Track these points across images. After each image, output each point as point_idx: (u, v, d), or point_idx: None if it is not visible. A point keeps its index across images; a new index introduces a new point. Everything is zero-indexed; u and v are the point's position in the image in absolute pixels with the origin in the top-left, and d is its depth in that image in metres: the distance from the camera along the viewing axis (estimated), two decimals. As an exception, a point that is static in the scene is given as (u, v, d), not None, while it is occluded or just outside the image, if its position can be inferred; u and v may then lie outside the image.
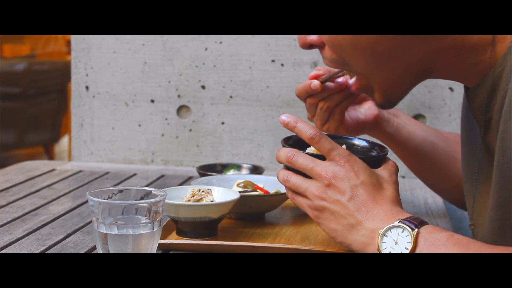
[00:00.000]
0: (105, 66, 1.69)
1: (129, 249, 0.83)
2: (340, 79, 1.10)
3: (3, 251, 0.97)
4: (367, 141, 1.05)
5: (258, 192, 1.14)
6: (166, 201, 0.93)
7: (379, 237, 0.83)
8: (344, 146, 1.03)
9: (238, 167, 1.35)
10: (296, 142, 0.96)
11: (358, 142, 1.05)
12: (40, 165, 1.61)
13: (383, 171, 0.92)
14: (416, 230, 0.82)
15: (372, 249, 0.84)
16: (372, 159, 0.96)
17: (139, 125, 1.70)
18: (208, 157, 1.68)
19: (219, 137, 1.67)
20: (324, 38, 0.95)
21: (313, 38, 1.00)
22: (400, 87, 0.95)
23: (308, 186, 0.89)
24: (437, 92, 1.59)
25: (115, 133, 1.71)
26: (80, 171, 1.55)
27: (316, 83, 1.10)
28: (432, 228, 0.84)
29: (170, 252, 0.97)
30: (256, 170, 1.32)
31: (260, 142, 1.66)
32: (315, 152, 0.95)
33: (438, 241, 0.82)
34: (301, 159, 0.90)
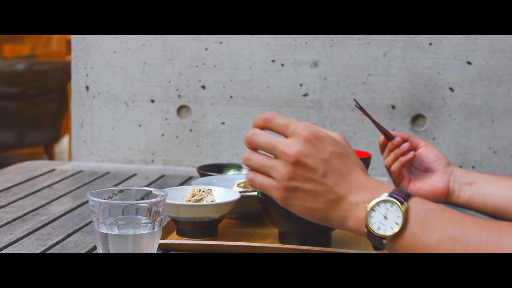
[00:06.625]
0: (105, 66, 1.70)
1: (129, 249, 0.83)
2: (396, 139, 1.23)
3: (4, 251, 0.97)
4: None
5: (258, 192, 1.14)
6: (167, 201, 0.93)
7: (368, 212, 0.80)
8: None
9: (238, 167, 1.35)
10: None
11: None
12: (40, 165, 1.61)
13: (337, 137, 0.87)
14: (406, 204, 0.79)
15: (353, 223, 0.81)
16: None
17: (139, 125, 1.70)
18: (208, 157, 1.68)
19: (219, 137, 1.67)
20: None
21: None
22: None
23: (274, 165, 0.82)
24: (437, 92, 1.59)
25: (115, 133, 1.71)
26: (80, 171, 1.55)
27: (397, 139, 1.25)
28: (421, 200, 0.81)
29: (170, 252, 0.97)
30: (256, 170, 1.31)
31: (260, 142, 1.66)
32: None
33: (432, 215, 0.79)
34: (263, 137, 0.84)
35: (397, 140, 1.25)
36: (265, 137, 0.84)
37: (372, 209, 0.80)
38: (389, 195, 0.80)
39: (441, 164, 1.25)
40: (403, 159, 1.25)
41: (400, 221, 0.79)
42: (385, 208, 0.80)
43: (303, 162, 0.81)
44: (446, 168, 1.25)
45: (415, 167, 1.28)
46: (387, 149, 1.28)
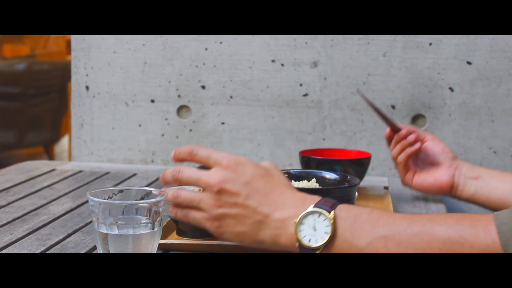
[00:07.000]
0: (105, 66, 1.70)
1: (129, 249, 0.83)
2: (402, 131, 1.24)
3: (3, 251, 0.97)
4: (338, 173, 1.09)
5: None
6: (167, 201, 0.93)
7: (296, 226, 0.81)
8: (314, 180, 1.06)
9: (238, 167, 1.34)
10: None
11: (329, 175, 1.09)
12: (40, 165, 1.61)
13: (264, 163, 0.89)
14: (333, 212, 0.80)
15: (284, 240, 0.82)
16: (343, 189, 0.99)
17: (139, 125, 1.70)
18: (208, 157, 1.68)
19: (219, 137, 1.67)
20: None
21: None
22: None
23: (201, 198, 0.85)
24: (437, 92, 1.59)
25: (115, 133, 1.71)
26: (80, 171, 1.55)
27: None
28: (347, 206, 0.82)
29: (170, 252, 0.97)
30: (256, 170, 1.31)
31: (260, 142, 1.66)
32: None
33: (360, 219, 0.80)
34: (187, 173, 0.87)
35: (403, 131, 1.25)
36: (188, 172, 0.87)
37: (300, 222, 0.81)
38: (315, 206, 0.81)
39: (446, 158, 1.25)
40: (409, 150, 1.24)
41: (329, 229, 0.80)
42: (313, 219, 0.81)
43: (226, 189, 0.83)
44: (452, 162, 1.25)
45: (421, 160, 1.27)
46: (393, 141, 1.27)
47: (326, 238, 0.80)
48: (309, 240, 0.80)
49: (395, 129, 1.27)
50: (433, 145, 1.26)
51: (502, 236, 0.73)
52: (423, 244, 0.76)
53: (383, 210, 0.82)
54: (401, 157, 1.26)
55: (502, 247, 0.73)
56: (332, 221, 0.80)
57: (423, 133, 1.28)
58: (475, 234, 0.74)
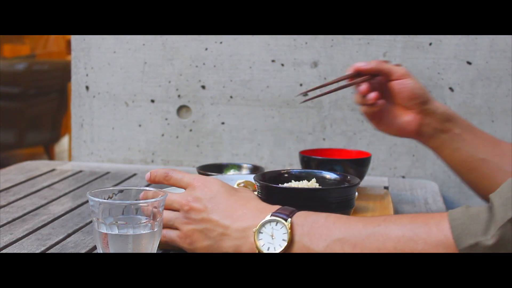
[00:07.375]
0: (105, 66, 1.70)
1: (129, 249, 0.83)
2: (362, 87, 1.14)
3: (3, 251, 0.97)
4: (338, 173, 1.09)
5: (258, 192, 1.14)
6: (166, 201, 0.93)
7: (255, 235, 0.84)
8: (314, 180, 1.07)
9: (238, 167, 1.35)
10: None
11: (329, 175, 1.09)
12: (40, 165, 1.61)
13: (236, 187, 0.95)
14: (289, 219, 0.83)
15: (246, 249, 0.85)
16: (343, 189, 1.00)
17: (139, 125, 1.70)
18: (208, 157, 1.68)
19: (219, 137, 1.67)
20: None
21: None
22: None
23: (176, 217, 0.91)
24: (437, 92, 1.59)
25: (115, 133, 1.71)
26: (80, 171, 1.55)
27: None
28: (305, 213, 0.84)
29: (170, 252, 0.97)
30: (256, 170, 1.32)
31: (260, 142, 1.66)
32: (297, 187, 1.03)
33: (317, 224, 0.82)
34: None
35: (362, 88, 1.13)
36: None
37: (259, 231, 0.84)
38: (272, 215, 0.84)
39: (415, 104, 1.14)
40: (369, 109, 1.16)
41: (286, 237, 0.82)
42: (271, 227, 0.83)
43: (194, 207, 0.89)
44: (421, 108, 1.14)
45: (388, 101, 1.17)
46: (356, 89, 1.17)
47: (284, 245, 0.82)
48: (268, 248, 0.83)
49: (355, 83, 1.15)
50: (400, 87, 1.14)
51: (455, 231, 0.74)
52: (377, 243, 0.78)
53: (340, 215, 0.84)
54: (363, 110, 1.17)
55: (454, 241, 0.74)
56: (289, 228, 0.82)
57: (389, 70, 1.14)
58: (428, 231, 0.76)
